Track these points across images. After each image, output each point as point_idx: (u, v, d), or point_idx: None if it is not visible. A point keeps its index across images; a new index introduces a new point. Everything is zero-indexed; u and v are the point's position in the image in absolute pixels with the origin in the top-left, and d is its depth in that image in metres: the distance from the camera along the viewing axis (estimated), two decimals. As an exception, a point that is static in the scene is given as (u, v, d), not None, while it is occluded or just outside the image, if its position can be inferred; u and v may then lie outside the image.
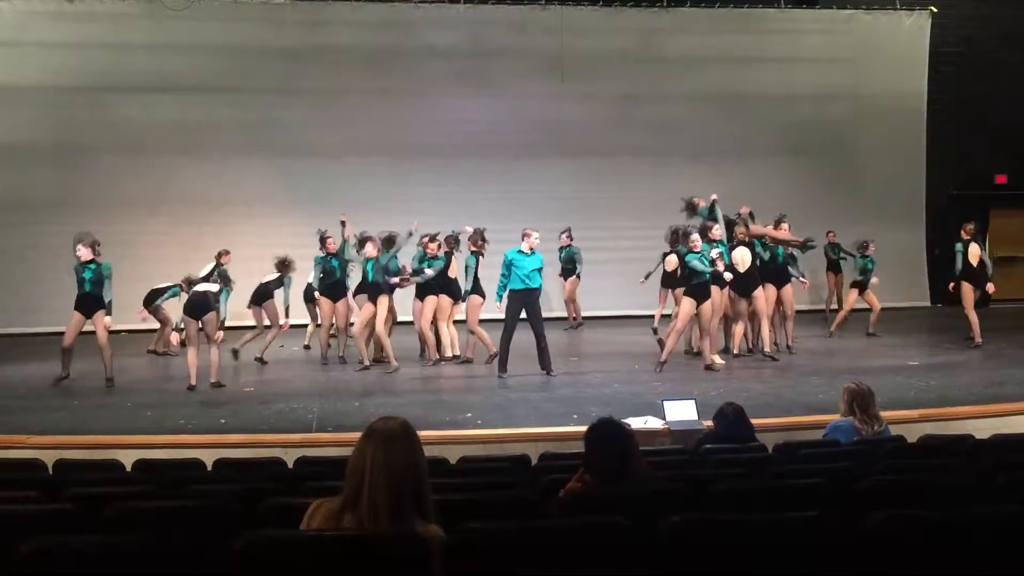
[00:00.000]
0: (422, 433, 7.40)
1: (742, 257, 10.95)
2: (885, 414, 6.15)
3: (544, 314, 10.87)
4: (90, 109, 15.02)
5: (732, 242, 10.95)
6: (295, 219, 14.18)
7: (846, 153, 17.04)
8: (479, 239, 11.20)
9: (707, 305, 10.29)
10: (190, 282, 10.25)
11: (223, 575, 2.68)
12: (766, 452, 5.54)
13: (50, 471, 5.36)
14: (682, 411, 7.32)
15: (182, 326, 10.26)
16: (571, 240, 14.30)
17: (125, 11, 15.09)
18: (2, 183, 14.59)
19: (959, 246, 12.10)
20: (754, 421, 6.06)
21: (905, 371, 10.24)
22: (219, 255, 11.41)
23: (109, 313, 10.02)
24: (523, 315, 10.17)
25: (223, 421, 8.23)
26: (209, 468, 5.49)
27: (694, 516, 3.08)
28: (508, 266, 10.15)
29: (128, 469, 5.47)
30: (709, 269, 10.16)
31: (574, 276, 14.32)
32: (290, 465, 5.59)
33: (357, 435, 2.93)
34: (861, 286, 13.17)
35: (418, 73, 15.78)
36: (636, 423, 7.03)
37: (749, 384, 9.65)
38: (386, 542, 2.64)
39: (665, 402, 7.48)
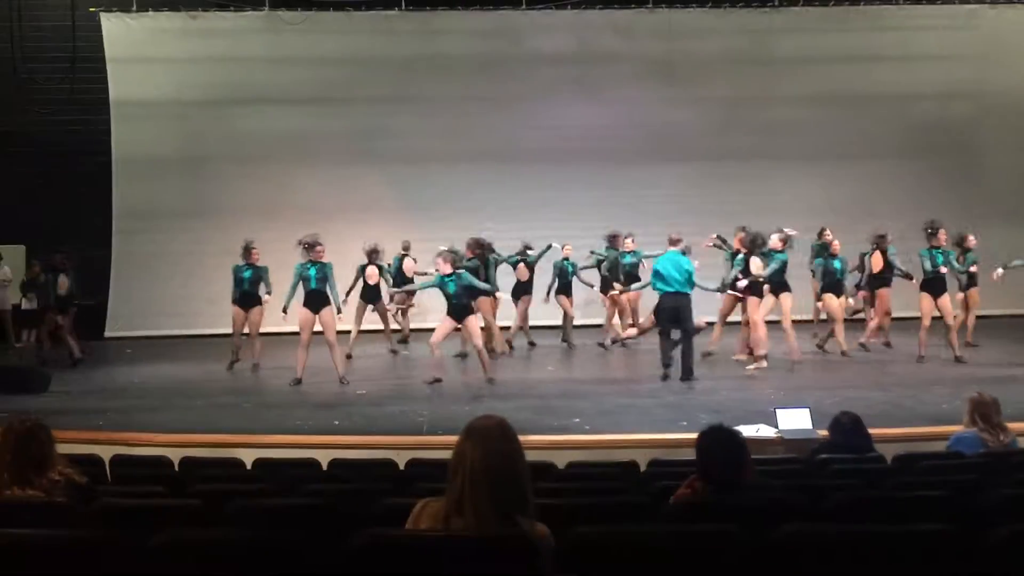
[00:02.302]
0: (530, 438, 7.47)
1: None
2: (1014, 426, 5.88)
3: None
4: (212, 121, 15.63)
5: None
6: (406, 225, 14.41)
7: (972, 153, 16.34)
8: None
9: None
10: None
11: (338, 573, 2.75)
12: (885, 463, 5.37)
13: (176, 468, 5.60)
14: (796, 419, 7.15)
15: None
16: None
17: (246, 26, 15.65)
18: (132, 193, 15.30)
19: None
20: (872, 431, 5.87)
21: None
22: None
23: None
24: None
25: (337, 423, 8.44)
26: (324, 468, 5.65)
27: (809, 526, 3.02)
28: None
29: (248, 467, 5.68)
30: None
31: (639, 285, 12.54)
32: (401, 466, 5.70)
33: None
34: None
35: (526, 79, 15.86)
36: (748, 431, 6.89)
37: (866, 393, 9.34)
38: (497, 543, 2.66)
39: (778, 410, 7.32)
